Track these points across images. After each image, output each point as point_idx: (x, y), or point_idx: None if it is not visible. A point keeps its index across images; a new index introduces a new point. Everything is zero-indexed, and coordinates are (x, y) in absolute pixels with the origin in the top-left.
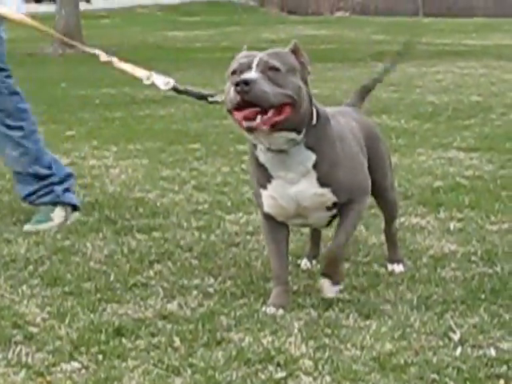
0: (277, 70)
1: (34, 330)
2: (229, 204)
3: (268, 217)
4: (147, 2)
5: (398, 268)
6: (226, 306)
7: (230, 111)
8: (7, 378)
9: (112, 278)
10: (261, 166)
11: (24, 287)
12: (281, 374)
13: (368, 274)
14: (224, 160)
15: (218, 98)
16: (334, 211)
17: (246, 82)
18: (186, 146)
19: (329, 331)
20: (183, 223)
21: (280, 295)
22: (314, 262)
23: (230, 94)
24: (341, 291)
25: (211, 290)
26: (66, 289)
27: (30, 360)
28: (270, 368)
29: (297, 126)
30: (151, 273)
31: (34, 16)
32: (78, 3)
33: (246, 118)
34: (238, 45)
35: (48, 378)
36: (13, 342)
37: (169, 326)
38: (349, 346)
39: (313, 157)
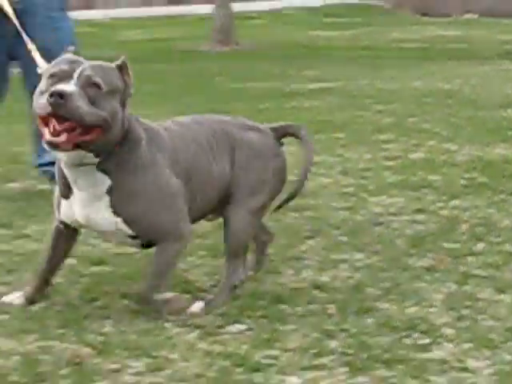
0: (98, 87)
1: (203, 295)
2: (371, 187)
3: (62, 224)
4: (294, 5)
5: None
6: (372, 278)
7: (37, 119)
8: (182, 337)
9: (270, 251)
10: (62, 177)
11: (192, 258)
12: (425, 341)
13: (501, 253)
14: (366, 148)
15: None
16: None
17: (61, 95)
18: (331, 134)
19: (467, 303)
20: (331, 204)
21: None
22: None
23: (41, 99)
24: (476, 268)
25: (359, 264)
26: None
27: (201, 322)
28: (415, 335)
29: (99, 149)
30: (304, 248)
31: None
32: (231, 6)
33: (52, 132)
34: (375, 44)
35: (217, 338)
36: None
37: (322, 295)
38: (485, 317)
39: (107, 181)
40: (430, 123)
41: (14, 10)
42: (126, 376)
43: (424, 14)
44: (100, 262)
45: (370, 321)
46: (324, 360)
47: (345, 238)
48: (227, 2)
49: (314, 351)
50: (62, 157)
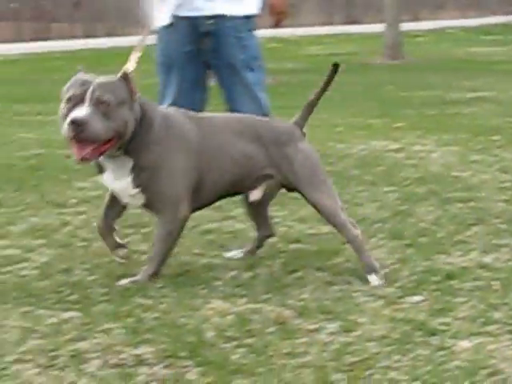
0: (108, 104)
1: (385, 270)
2: None
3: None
4: (454, 25)
5: None
6: None
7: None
8: (369, 305)
9: (440, 235)
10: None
11: (374, 239)
12: None
13: None
14: None
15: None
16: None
17: (79, 124)
18: (488, 137)
19: None
20: (492, 196)
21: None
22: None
23: (64, 127)
24: None
25: None
26: (406, 242)
27: (383, 293)
28: None
29: (120, 146)
30: (469, 233)
31: (370, 35)
32: (400, 25)
33: (79, 151)
34: None
35: (399, 307)
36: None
37: (487, 274)
38: None
39: (130, 162)
40: None
41: (208, 31)
42: (322, 335)
43: None
44: (297, 241)
45: None
46: (490, 328)
47: (504, 226)
48: (397, 22)
49: (482, 320)
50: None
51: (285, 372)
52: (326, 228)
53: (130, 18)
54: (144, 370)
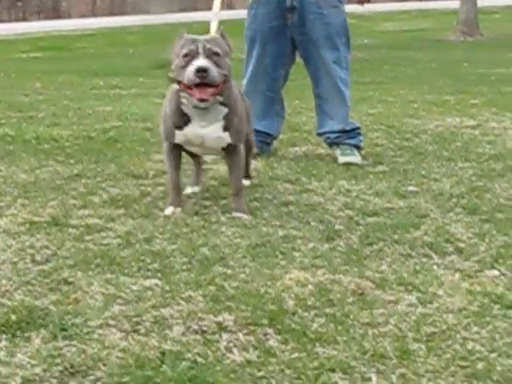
0: (218, 55)
1: (462, 245)
2: None
3: (174, 146)
4: None
5: None
6: None
7: (184, 86)
8: (447, 277)
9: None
10: (183, 115)
11: (451, 214)
12: None
13: None
14: None
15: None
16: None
17: (205, 70)
18: None
19: None
20: None
21: (176, 198)
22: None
23: (189, 75)
24: None
25: None
26: (483, 217)
27: (461, 266)
28: None
29: (224, 92)
30: None
31: (444, 12)
32: (476, 2)
33: (201, 93)
34: None
35: (477, 280)
36: (447, 252)
37: None
38: None
39: (225, 110)
40: None
41: (293, 6)
42: (400, 306)
43: None
44: (373, 214)
45: None
46: None
47: None
48: None
49: None
50: (197, 104)
51: (364, 341)
52: (403, 202)
53: None
54: (225, 336)
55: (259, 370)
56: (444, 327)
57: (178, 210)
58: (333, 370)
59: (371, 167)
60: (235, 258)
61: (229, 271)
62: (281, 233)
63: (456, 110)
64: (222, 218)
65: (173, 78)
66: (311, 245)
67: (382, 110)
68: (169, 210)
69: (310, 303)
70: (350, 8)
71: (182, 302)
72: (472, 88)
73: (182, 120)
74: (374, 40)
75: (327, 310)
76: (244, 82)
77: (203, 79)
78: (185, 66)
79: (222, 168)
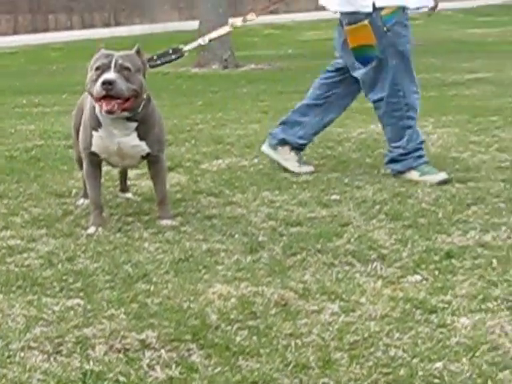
0: (129, 70)
1: (385, 251)
2: None
3: (92, 157)
4: (450, 7)
5: None
6: None
7: (93, 97)
8: (369, 285)
9: (440, 215)
10: (97, 119)
11: (374, 221)
12: None
13: None
14: None
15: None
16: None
17: (110, 83)
18: (487, 118)
19: None
20: (491, 176)
21: (98, 217)
22: (122, 194)
23: (97, 87)
24: None
25: None
26: (406, 222)
27: (383, 273)
28: None
29: (134, 108)
30: (469, 212)
31: None
32: None
33: (107, 105)
34: None
35: (399, 286)
36: (370, 259)
37: (486, 252)
38: None
39: (134, 124)
40: None
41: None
42: (323, 316)
43: None
44: (297, 224)
45: None
46: (489, 305)
47: (503, 205)
48: None
49: (481, 297)
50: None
51: (287, 352)
52: (326, 211)
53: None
54: (148, 354)
55: None
56: (366, 335)
57: (100, 229)
58: (256, 383)
59: (295, 177)
60: (158, 274)
61: (152, 288)
62: (204, 247)
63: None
64: (145, 234)
65: (87, 90)
66: (235, 257)
67: None
68: (91, 230)
69: (232, 316)
70: (271, 18)
71: (104, 320)
72: None
73: (98, 122)
74: (297, 49)
75: (250, 323)
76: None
77: (109, 91)
78: (96, 79)
79: (145, 184)
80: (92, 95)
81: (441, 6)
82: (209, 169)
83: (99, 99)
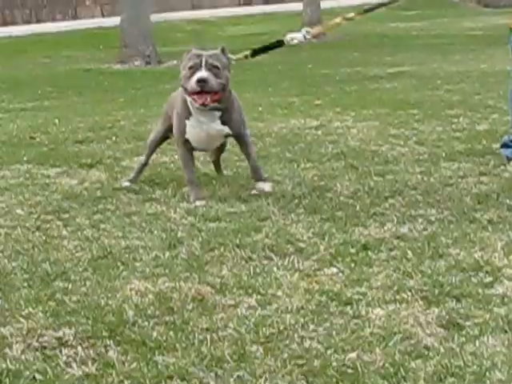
0: (217, 68)
1: (302, 245)
2: (443, 155)
3: (187, 144)
4: (375, 0)
5: None
6: (444, 229)
7: (187, 92)
8: (286, 278)
9: (357, 208)
10: (189, 110)
11: (292, 215)
12: (488, 279)
13: None
14: (438, 122)
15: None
16: (227, 140)
17: (204, 80)
18: (408, 111)
19: None
20: (409, 169)
21: (199, 192)
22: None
23: (192, 84)
24: None
25: (432, 218)
26: (324, 216)
27: (300, 266)
28: (480, 275)
29: (222, 100)
30: (386, 205)
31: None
32: (319, 3)
33: (200, 99)
34: (446, 32)
35: (315, 279)
36: (287, 253)
37: (402, 244)
38: None
39: (219, 113)
40: (493, 99)
41: None
42: (240, 310)
43: (486, 6)
44: (216, 220)
45: (442, 264)
46: (404, 295)
47: (420, 197)
48: (317, 0)
49: (396, 288)
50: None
51: (203, 346)
52: (245, 206)
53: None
54: (65, 351)
55: (98, 383)
56: (282, 327)
57: (203, 203)
58: (171, 378)
59: (215, 173)
60: (76, 271)
61: (70, 285)
62: (123, 243)
63: (300, 112)
64: (64, 232)
65: (181, 85)
66: (153, 254)
67: None
68: (199, 203)
69: (149, 312)
70: (195, 14)
71: (21, 319)
72: (316, 89)
73: (189, 112)
74: (220, 45)
75: (167, 318)
76: None
77: (203, 88)
78: (190, 76)
79: (65, 182)
80: (186, 90)
81: (362, 0)
82: (129, 166)
83: (193, 94)
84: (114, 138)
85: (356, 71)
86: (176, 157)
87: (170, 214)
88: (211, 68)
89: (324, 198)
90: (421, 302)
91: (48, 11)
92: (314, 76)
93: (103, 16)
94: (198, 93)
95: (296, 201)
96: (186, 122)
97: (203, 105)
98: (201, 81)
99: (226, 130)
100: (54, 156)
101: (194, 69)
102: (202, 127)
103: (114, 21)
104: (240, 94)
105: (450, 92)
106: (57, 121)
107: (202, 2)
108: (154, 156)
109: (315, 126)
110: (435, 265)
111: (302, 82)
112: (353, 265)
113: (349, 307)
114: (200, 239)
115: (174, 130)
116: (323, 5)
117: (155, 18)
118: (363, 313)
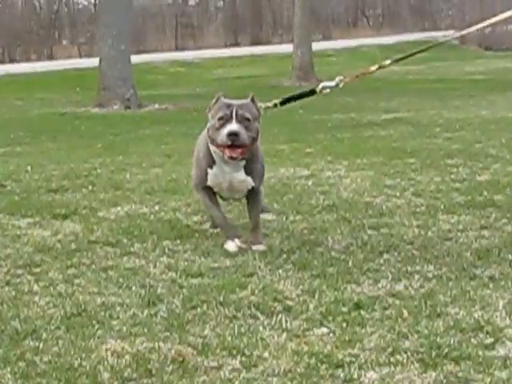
0: (248, 120)
1: (291, 303)
2: (442, 207)
3: (208, 189)
4: (369, 43)
5: None
6: (442, 287)
7: (217, 145)
8: (273, 339)
9: (350, 264)
10: (212, 160)
11: (280, 271)
12: (489, 340)
13: None
14: (436, 172)
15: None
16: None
17: (236, 134)
18: (404, 160)
19: None
20: (405, 222)
21: (233, 231)
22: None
23: (222, 137)
24: None
25: (430, 274)
26: (314, 272)
27: (289, 325)
28: (481, 335)
29: (250, 152)
30: (381, 261)
31: (279, 56)
32: (311, 45)
33: (231, 153)
34: (444, 77)
35: (304, 339)
36: (275, 312)
37: (397, 302)
38: None
39: (243, 163)
40: (495, 148)
41: None
42: (223, 372)
43: (488, 49)
44: (198, 275)
45: (440, 323)
46: (399, 357)
47: (417, 252)
48: (307, 42)
49: (390, 350)
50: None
51: None
52: (230, 261)
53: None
54: None
55: None
56: None
57: (237, 241)
58: None
59: (197, 225)
60: (48, 329)
61: (41, 345)
62: (98, 300)
63: (290, 160)
64: (36, 287)
65: (209, 136)
66: (131, 311)
67: None
68: (231, 245)
69: (126, 375)
70: (179, 56)
71: None
72: (307, 136)
73: (212, 161)
74: (205, 88)
75: (145, 381)
76: None
77: (234, 141)
78: (219, 128)
79: (37, 233)
80: (214, 141)
81: (356, 42)
82: (106, 217)
83: (223, 147)
84: (90, 187)
85: (349, 117)
86: (157, 207)
87: (149, 268)
88: (242, 120)
89: (314, 252)
90: (417, 365)
91: (22, 50)
92: (305, 122)
93: (81, 56)
94: (228, 146)
95: (284, 256)
96: (209, 170)
97: (232, 158)
98: (232, 134)
99: (250, 181)
100: (26, 205)
101: (223, 120)
102: (224, 177)
103: (93, 61)
104: None
105: (449, 140)
106: (29, 168)
107: (186, 43)
108: (133, 206)
109: (306, 176)
110: (432, 325)
111: (292, 129)
112: (344, 325)
113: (340, 370)
114: (181, 296)
115: (194, 176)
116: (315, 46)
117: (136, 59)
118: (355, 376)
